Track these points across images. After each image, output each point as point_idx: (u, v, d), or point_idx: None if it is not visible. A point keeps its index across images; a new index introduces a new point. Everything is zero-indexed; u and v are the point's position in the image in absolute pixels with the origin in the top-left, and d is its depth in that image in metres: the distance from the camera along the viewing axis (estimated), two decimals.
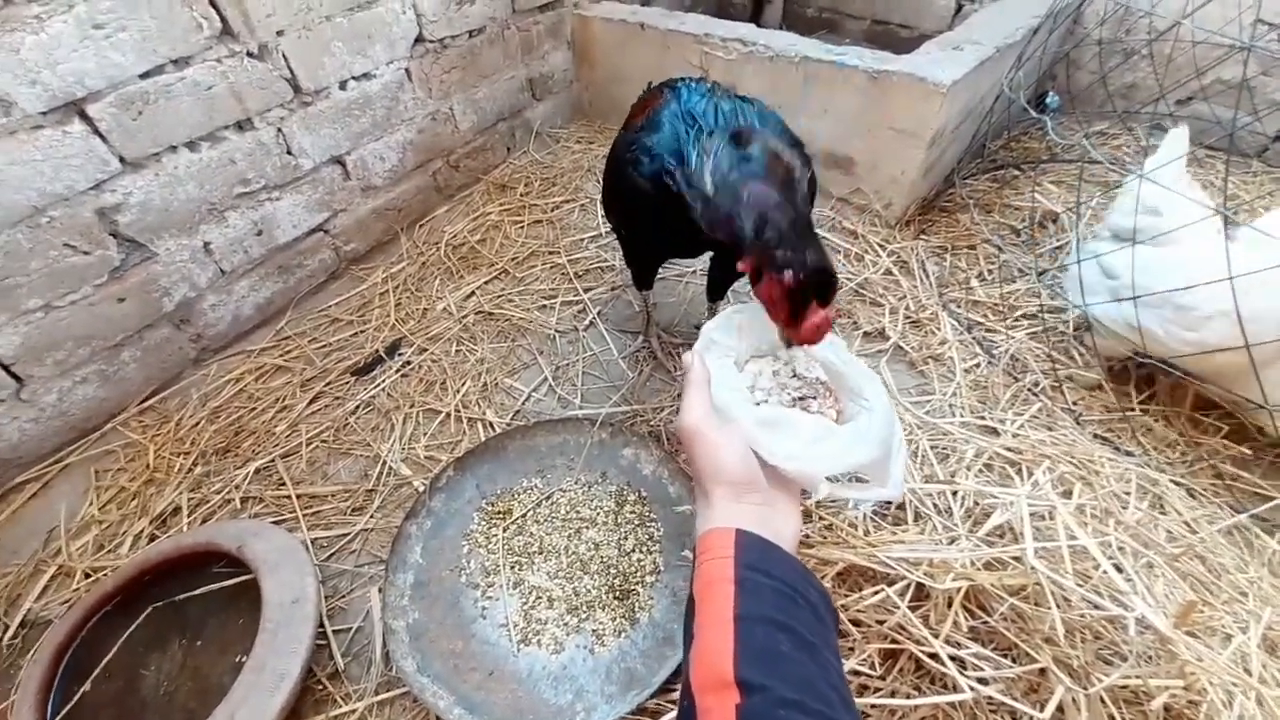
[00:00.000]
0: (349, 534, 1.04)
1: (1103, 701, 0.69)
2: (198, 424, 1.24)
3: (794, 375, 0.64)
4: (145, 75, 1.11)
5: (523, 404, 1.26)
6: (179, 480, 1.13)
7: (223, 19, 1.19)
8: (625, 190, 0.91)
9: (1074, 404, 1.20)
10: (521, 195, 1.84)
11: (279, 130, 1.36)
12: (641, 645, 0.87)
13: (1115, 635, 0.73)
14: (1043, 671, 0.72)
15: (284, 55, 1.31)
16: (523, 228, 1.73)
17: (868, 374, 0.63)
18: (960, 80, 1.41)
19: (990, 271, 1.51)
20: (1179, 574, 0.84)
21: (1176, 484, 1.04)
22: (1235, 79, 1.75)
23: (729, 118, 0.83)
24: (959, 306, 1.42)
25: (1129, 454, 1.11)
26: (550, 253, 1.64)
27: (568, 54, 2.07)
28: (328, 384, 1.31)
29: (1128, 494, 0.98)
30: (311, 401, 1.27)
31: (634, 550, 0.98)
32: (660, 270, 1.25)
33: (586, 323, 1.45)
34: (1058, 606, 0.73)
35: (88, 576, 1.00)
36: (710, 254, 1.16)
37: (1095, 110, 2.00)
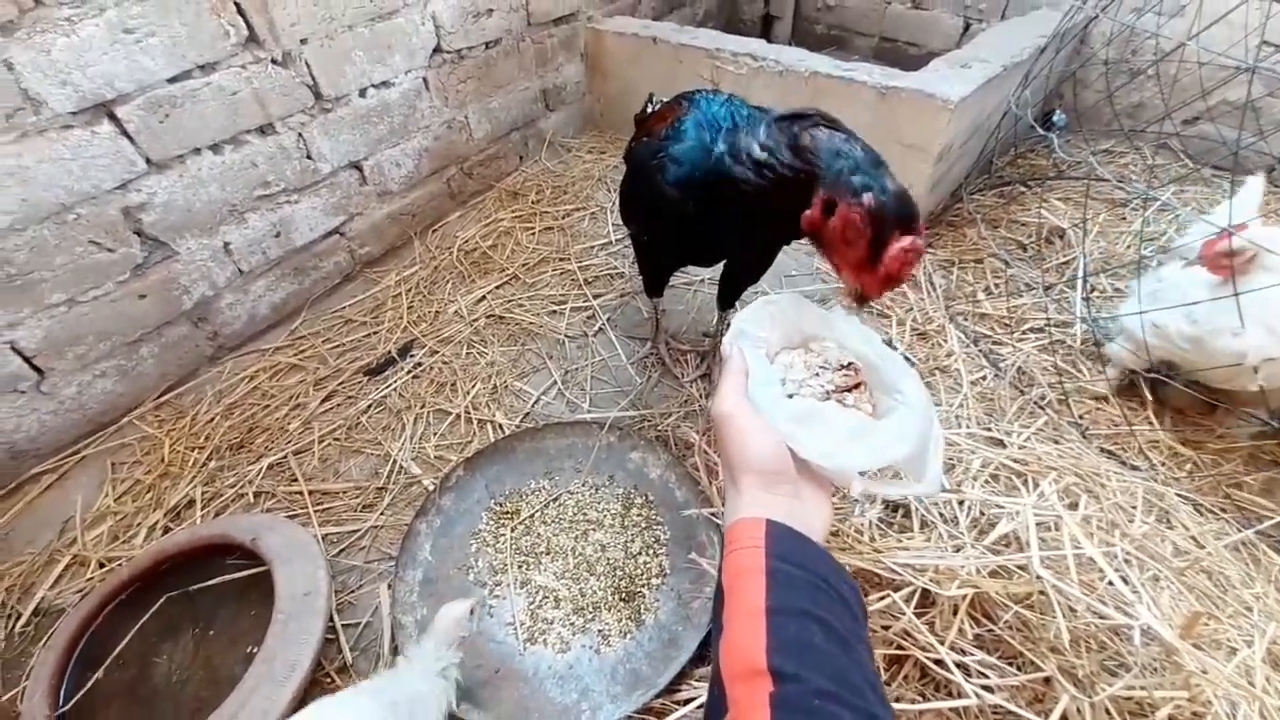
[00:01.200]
0: (359, 530, 1.05)
1: (1107, 712, 0.69)
2: (212, 420, 1.26)
3: (826, 367, 0.61)
4: (173, 80, 1.15)
5: (532, 407, 1.28)
6: (193, 474, 1.15)
7: (249, 26, 1.22)
8: (651, 197, 0.92)
9: (1080, 418, 1.21)
10: (533, 203, 1.87)
11: (299, 135, 1.40)
12: (647, 647, 0.87)
13: (1120, 645, 0.73)
14: (1047, 680, 0.72)
15: (307, 63, 1.35)
16: (534, 234, 1.76)
17: (904, 368, 0.60)
18: (968, 97, 1.43)
19: (997, 285, 1.52)
20: (1185, 587, 0.84)
21: (1183, 498, 1.04)
22: (1240, 99, 1.77)
23: (749, 121, 0.84)
24: (966, 319, 1.43)
25: (1135, 468, 1.11)
26: (560, 259, 1.67)
27: (581, 66, 2.10)
28: (340, 383, 1.33)
29: (1134, 507, 0.98)
30: (324, 400, 1.29)
31: (640, 553, 0.98)
32: (670, 278, 1.26)
33: (596, 328, 1.46)
34: (1063, 615, 0.73)
35: (102, 566, 1.01)
36: (724, 263, 1.18)
37: (1102, 129, 2.02)
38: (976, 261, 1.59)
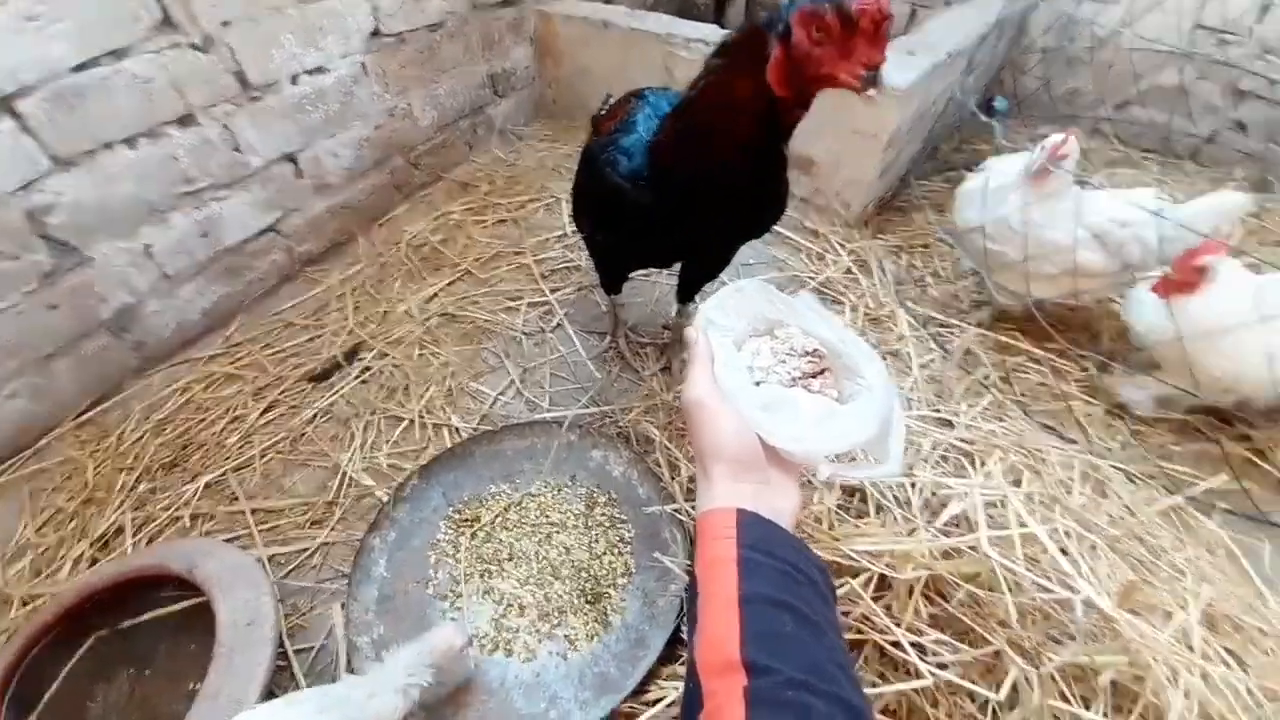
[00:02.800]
0: (308, 549, 1.00)
1: (1054, 679, 0.72)
2: (141, 438, 1.17)
3: (792, 354, 0.62)
4: (80, 68, 1.05)
5: (489, 408, 1.24)
6: (121, 499, 1.07)
7: (163, 8, 1.13)
8: (602, 192, 0.91)
9: (1022, 395, 1.26)
10: (485, 194, 1.81)
11: (225, 126, 1.30)
12: (615, 649, 0.87)
13: (1064, 616, 0.77)
14: (998, 654, 0.75)
15: (230, 47, 1.26)
16: (486, 227, 1.70)
17: (866, 351, 0.62)
18: (914, 83, 1.45)
19: (943, 269, 1.56)
20: (1120, 555, 0.89)
21: (1116, 469, 1.10)
22: (1171, 84, 1.86)
23: None
24: (915, 303, 1.47)
25: (1072, 441, 1.17)
26: (515, 253, 1.62)
27: (530, 50, 2.04)
28: (282, 392, 1.26)
29: (1072, 480, 1.03)
30: (265, 411, 1.22)
31: (605, 553, 0.97)
32: (628, 277, 1.24)
33: (553, 324, 1.43)
34: (1010, 591, 0.76)
35: (25, 605, 0.93)
36: (681, 262, 1.16)
37: (1040, 114, 2.09)
38: (924, 246, 1.63)
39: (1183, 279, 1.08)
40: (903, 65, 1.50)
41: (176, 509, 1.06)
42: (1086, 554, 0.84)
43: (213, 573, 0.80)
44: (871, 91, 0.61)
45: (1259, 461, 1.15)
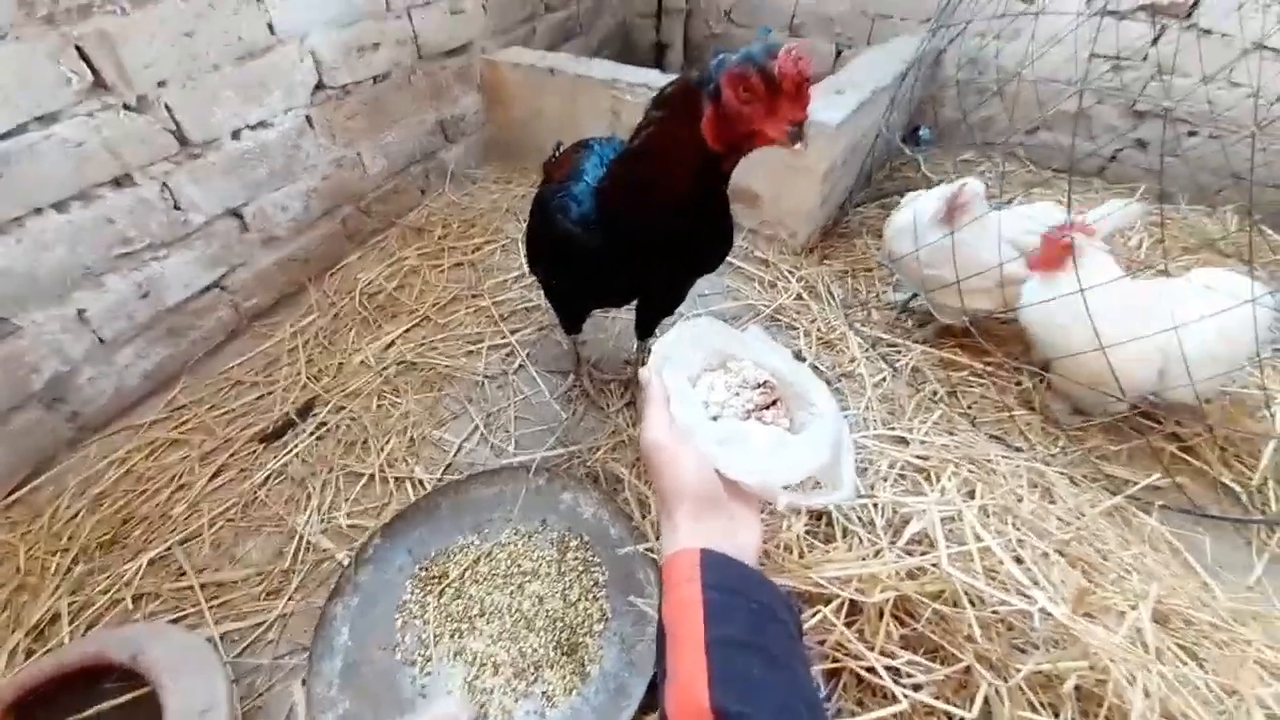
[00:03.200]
0: (265, 623, 0.95)
1: (1021, 691, 0.75)
2: (76, 515, 1.10)
3: (745, 386, 0.64)
4: (5, 136, 1.01)
5: (454, 456, 1.22)
6: (56, 583, 1.00)
7: (94, 71, 1.10)
8: (554, 237, 0.93)
9: (969, 408, 1.32)
10: (440, 238, 1.81)
11: (164, 185, 1.27)
12: (594, 700, 0.85)
13: (1024, 625, 0.80)
14: (968, 669, 0.77)
15: (167, 106, 1.24)
16: (443, 271, 1.69)
17: (814, 380, 0.64)
18: (845, 121, 1.55)
19: (885, 291, 1.64)
20: (1072, 559, 0.93)
21: (1061, 474, 1.16)
22: (1073, 109, 2.03)
23: None
24: (863, 325, 1.53)
25: (1019, 449, 1.23)
26: (473, 296, 1.62)
27: (479, 97, 2.07)
28: (232, 455, 1.21)
29: (1021, 487, 1.08)
30: (213, 476, 1.16)
31: (580, 599, 0.96)
32: (587, 316, 1.26)
33: (515, 365, 1.43)
34: (972, 605, 0.79)
35: None
36: (637, 301, 1.19)
37: (960, 141, 2.25)
38: (867, 270, 1.71)
39: (1050, 254, 1.18)
40: (833, 104, 1.60)
41: (117, 590, 0.99)
42: (1040, 562, 0.88)
43: (159, 659, 0.75)
44: (798, 145, 0.66)
45: (1189, 458, 1.23)
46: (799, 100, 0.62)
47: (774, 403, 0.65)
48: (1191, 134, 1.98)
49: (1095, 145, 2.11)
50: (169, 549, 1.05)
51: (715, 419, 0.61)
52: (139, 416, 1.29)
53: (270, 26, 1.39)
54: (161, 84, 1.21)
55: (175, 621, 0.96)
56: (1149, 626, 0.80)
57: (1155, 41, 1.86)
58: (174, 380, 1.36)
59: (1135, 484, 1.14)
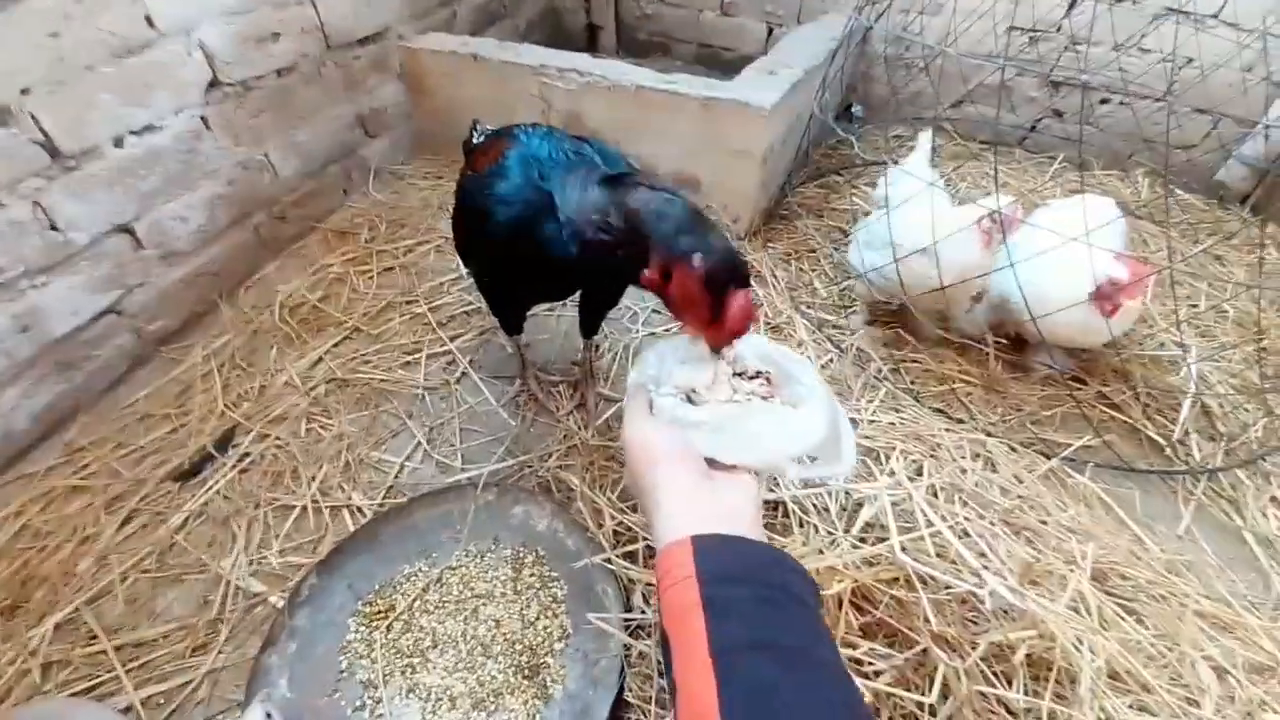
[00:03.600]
0: (192, 681, 0.87)
1: (977, 666, 0.76)
2: None
3: (733, 374, 0.64)
4: None
5: (395, 478, 1.15)
6: None
7: None
8: (484, 238, 0.88)
9: (912, 383, 1.35)
10: (366, 241, 1.70)
11: (36, 203, 1.13)
12: None
13: (975, 601, 0.82)
14: (925, 651, 0.78)
15: (33, 116, 1.10)
16: (372, 277, 1.59)
17: (797, 359, 0.64)
18: (779, 102, 1.53)
19: (828, 272, 1.65)
20: (1016, 529, 0.96)
21: (1001, 442, 1.20)
22: (993, 82, 2.08)
23: (573, 157, 0.84)
24: (809, 308, 1.54)
25: (960, 421, 1.27)
26: (408, 302, 1.53)
27: (400, 86, 1.95)
28: (143, 498, 1.09)
29: (964, 459, 1.11)
30: (123, 524, 1.06)
31: (538, 618, 0.92)
32: (525, 315, 1.20)
33: (458, 374, 1.36)
34: (925, 585, 0.80)
35: None
36: (579, 293, 1.14)
37: (891, 116, 2.28)
38: (810, 251, 1.72)
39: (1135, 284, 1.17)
40: (766, 85, 1.58)
41: (22, 661, 0.89)
42: (987, 535, 0.90)
43: None
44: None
45: (1116, 414, 1.30)
46: (730, 337, 0.63)
47: (767, 382, 0.64)
48: (1103, 102, 2.06)
49: (1016, 117, 2.19)
50: (76, 611, 0.94)
51: (706, 404, 0.60)
52: (32, 464, 1.16)
53: (149, 20, 1.25)
54: (25, 91, 1.08)
55: (90, 690, 0.86)
56: (1088, 589, 0.83)
57: (1069, 12, 1.92)
58: (70, 419, 1.23)
59: (1069, 445, 1.20)
